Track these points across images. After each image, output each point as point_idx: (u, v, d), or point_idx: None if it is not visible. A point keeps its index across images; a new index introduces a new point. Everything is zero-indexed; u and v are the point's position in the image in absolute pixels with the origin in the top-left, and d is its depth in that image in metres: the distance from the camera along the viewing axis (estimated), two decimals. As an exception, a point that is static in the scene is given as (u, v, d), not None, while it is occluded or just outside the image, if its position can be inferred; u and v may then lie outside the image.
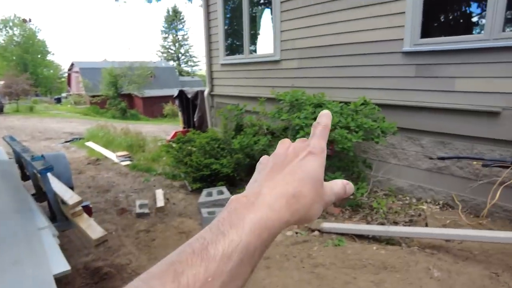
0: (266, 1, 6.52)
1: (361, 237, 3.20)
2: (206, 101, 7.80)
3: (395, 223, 3.42)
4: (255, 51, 6.64)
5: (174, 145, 5.87)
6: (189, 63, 56.33)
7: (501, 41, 3.32)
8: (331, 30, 4.85)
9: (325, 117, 0.45)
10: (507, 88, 3.33)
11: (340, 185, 0.43)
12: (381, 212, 3.55)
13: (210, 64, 7.58)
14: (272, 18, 5.94)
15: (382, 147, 4.42)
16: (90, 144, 9.56)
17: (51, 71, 49.80)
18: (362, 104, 4.13)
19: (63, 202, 2.72)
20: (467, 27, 4.21)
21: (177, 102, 10.08)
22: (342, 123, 3.85)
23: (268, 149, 4.41)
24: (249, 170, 5.04)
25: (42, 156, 3.24)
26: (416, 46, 3.94)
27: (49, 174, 2.79)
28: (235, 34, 7.11)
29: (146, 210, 4.31)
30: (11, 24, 44.63)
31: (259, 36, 6.78)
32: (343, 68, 4.78)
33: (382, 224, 3.34)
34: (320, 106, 4.26)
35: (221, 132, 6.04)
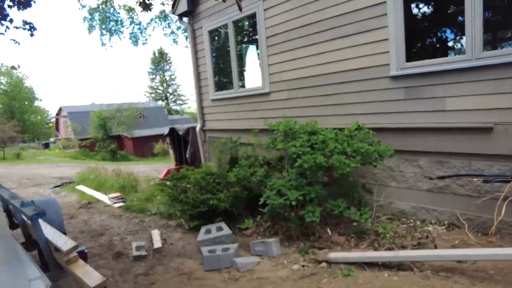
0: (250, 39, 6.74)
1: (370, 264, 3.07)
2: (198, 137, 7.79)
3: (403, 247, 3.32)
4: (243, 85, 6.75)
5: (168, 183, 5.74)
6: (178, 102, 57.07)
7: (483, 60, 3.44)
8: (316, 60, 4.98)
9: None
10: (496, 104, 3.40)
11: None
12: (387, 237, 3.45)
13: (200, 100, 7.66)
14: (258, 54, 6.11)
15: (380, 171, 4.40)
16: (81, 187, 9.33)
17: (39, 117, 49.78)
18: (356, 129, 4.16)
19: (56, 249, 2.57)
20: (451, 49, 4.37)
21: (168, 140, 10.04)
22: (339, 149, 3.83)
23: (265, 180, 4.33)
24: (247, 203, 4.91)
25: (32, 202, 3.11)
26: (403, 70, 4.05)
27: (40, 221, 2.65)
28: (222, 71, 7.27)
29: (143, 252, 4.11)
30: (-2, 73, 45.08)
31: (246, 72, 6.93)
32: (332, 96, 4.86)
33: (390, 249, 3.23)
34: (314, 133, 4.26)
35: (215, 167, 5.95)
